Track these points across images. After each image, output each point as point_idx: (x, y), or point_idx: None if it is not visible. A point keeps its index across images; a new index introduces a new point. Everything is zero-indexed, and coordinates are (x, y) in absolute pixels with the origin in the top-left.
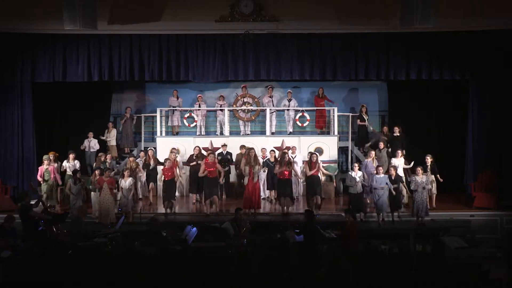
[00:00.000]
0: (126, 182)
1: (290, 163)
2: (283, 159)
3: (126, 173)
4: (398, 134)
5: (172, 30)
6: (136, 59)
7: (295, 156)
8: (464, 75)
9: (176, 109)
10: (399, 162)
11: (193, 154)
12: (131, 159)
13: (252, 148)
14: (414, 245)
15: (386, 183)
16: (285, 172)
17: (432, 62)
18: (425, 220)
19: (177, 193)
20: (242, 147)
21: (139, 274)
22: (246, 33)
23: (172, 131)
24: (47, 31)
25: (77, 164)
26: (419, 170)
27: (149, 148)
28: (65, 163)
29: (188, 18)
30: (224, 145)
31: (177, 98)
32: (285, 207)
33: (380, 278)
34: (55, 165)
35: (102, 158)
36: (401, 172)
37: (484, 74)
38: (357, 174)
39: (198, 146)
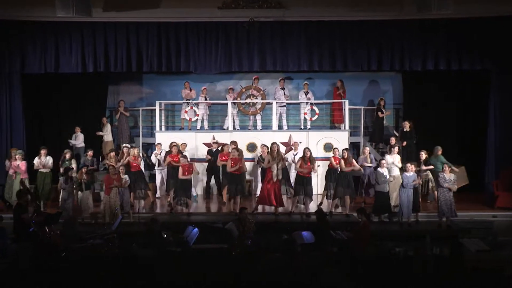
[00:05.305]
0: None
1: (312, 160)
2: (305, 155)
3: (121, 170)
4: (408, 129)
5: (171, 17)
6: (133, 49)
7: (296, 154)
8: (485, 65)
9: (175, 103)
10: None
11: (169, 151)
12: (111, 154)
13: (275, 143)
14: (431, 247)
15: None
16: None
17: (450, 52)
18: (451, 221)
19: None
20: (233, 143)
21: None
22: (251, 21)
23: (182, 125)
24: (37, 18)
25: (50, 160)
26: (446, 167)
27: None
28: (36, 160)
29: (188, 5)
30: (215, 142)
31: (190, 90)
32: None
33: (394, 283)
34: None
35: (67, 156)
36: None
37: (507, 64)
38: (385, 171)
39: (174, 142)
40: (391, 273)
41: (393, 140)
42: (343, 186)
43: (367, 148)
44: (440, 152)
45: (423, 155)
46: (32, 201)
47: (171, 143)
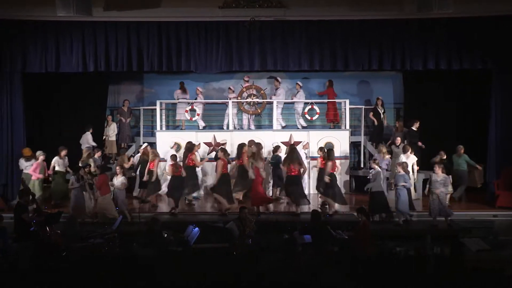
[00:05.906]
0: (117, 180)
1: (288, 160)
2: (294, 154)
3: (118, 170)
4: (416, 129)
5: (172, 17)
6: (134, 48)
7: (307, 153)
8: (486, 64)
9: (177, 102)
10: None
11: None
12: (125, 155)
13: (258, 143)
14: (431, 247)
15: (405, 182)
16: (292, 168)
17: (451, 51)
18: (451, 220)
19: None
20: (251, 142)
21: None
22: (251, 20)
23: (182, 126)
24: (38, 18)
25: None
26: (438, 167)
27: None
28: (56, 159)
29: (189, 4)
30: (224, 144)
31: (182, 89)
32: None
33: (394, 282)
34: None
35: (93, 154)
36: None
37: (508, 63)
38: (372, 171)
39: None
40: (392, 273)
41: (398, 140)
42: (323, 187)
43: (384, 147)
44: (462, 151)
45: (443, 155)
46: (33, 201)
47: (189, 142)
